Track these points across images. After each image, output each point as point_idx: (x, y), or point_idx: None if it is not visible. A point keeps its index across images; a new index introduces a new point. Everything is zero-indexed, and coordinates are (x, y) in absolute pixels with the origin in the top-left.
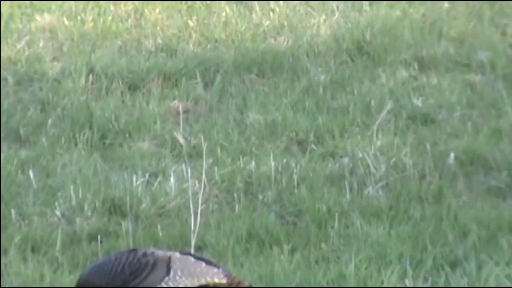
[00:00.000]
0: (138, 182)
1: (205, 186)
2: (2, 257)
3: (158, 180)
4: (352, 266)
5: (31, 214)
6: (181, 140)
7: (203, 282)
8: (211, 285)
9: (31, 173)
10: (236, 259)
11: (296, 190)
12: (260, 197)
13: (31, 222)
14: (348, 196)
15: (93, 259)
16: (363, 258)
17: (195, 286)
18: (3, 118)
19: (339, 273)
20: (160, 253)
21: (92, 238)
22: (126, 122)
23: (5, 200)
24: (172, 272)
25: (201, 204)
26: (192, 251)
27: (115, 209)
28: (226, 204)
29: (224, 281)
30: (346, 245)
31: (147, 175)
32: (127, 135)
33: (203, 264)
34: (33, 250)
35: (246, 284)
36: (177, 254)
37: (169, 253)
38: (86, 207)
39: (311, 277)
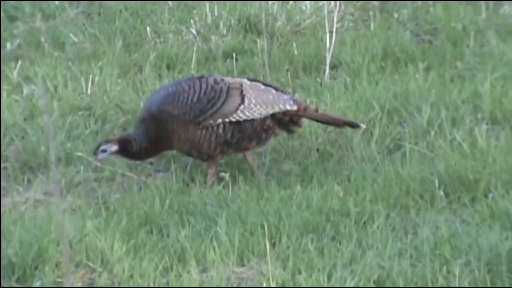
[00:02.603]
0: (273, 0)
1: (340, 4)
2: (138, 74)
3: None
4: (487, 84)
5: (167, 31)
6: None
7: (276, 109)
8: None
9: None
10: (371, 77)
11: (431, 8)
12: (396, 15)
13: (167, 39)
14: (484, 14)
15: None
16: (499, 76)
17: (269, 113)
18: None
19: (474, 91)
20: (229, 79)
21: (227, 55)
22: None
23: (140, 17)
24: (246, 100)
25: (336, 22)
26: (327, 69)
27: (250, 27)
28: (361, 22)
29: (294, 108)
30: (482, 63)
31: None
32: None
33: (273, 91)
34: (168, 67)
35: (312, 108)
36: (247, 81)
37: (238, 79)
38: (221, 25)
39: (446, 95)
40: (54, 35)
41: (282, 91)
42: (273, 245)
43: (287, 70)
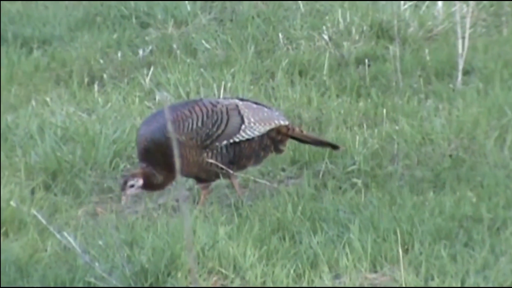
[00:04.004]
0: (406, 6)
1: (473, 10)
2: (270, 80)
3: (425, 3)
4: None
5: (299, 38)
6: None
7: (273, 125)
8: (277, 127)
9: None
10: (503, 83)
11: None
12: None
13: (299, 46)
14: None
15: (360, 83)
16: None
17: (267, 130)
18: None
19: None
20: (223, 101)
21: (359, 62)
22: None
23: (272, 24)
24: (246, 119)
25: (469, 28)
26: (460, 75)
27: (382, 33)
28: (494, 28)
29: (287, 122)
30: None
31: None
32: None
33: (265, 109)
34: (300, 73)
35: (298, 129)
36: (239, 101)
37: (231, 100)
38: (353, 31)
39: None
40: (186, 42)
41: (270, 108)
42: (405, 251)
43: (419, 76)
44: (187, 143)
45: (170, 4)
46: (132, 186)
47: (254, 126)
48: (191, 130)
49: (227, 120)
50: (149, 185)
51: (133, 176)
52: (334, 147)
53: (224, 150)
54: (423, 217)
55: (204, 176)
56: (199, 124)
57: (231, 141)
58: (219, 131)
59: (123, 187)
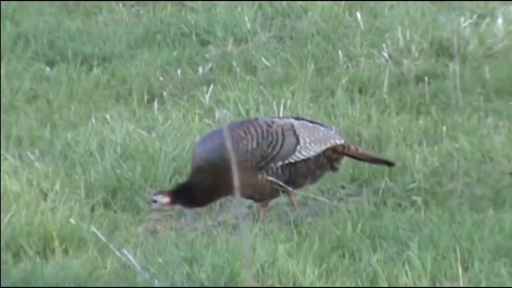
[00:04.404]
0: (465, 24)
1: None
2: (329, 98)
3: (485, 21)
4: None
5: (358, 55)
6: None
7: (328, 145)
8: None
9: (358, 15)
10: None
11: None
12: None
13: (358, 63)
14: None
15: (420, 101)
16: None
17: (322, 149)
18: None
19: None
20: (279, 121)
21: (419, 79)
22: None
23: (332, 41)
24: (301, 140)
25: None
26: None
27: (442, 50)
28: None
29: (342, 141)
30: None
31: (474, 16)
32: None
33: (321, 128)
34: (360, 91)
35: (354, 146)
36: (295, 121)
37: (286, 120)
38: (413, 49)
39: None
40: (246, 59)
41: (326, 126)
42: (465, 269)
43: (479, 93)
44: (242, 164)
45: (230, 21)
46: (155, 201)
47: (309, 146)
48: (245, 152)
49: (282, 141)
50: (183, 202)
51: (160, 192)
52: (390, 164)
53: (279, 171)
54: (482, 235)
55: (258, 197)
56: (254, 145)
57: (286, 162)
58: (274, 152)
59: (149, 201)
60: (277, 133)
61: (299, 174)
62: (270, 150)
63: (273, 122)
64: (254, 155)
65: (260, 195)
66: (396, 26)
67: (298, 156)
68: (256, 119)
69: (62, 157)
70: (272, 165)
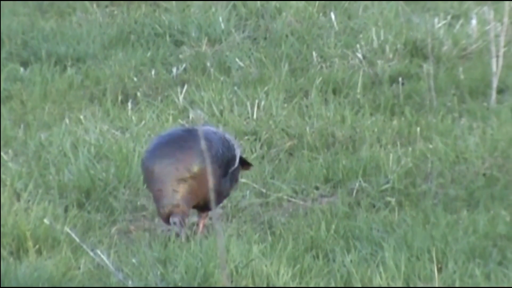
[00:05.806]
0: (440, 24)
1: (507, 28)
2: (304, 98)
3: (460, 22)
4: None
5: (332, 56)
6: None
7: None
8: None
9: (332, 15)
10: None
11: None
12: None
13: (332, 64)
14: None
15: (394, 101)
16: None
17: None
18: None
19: None
20: (212, 128)
21: (393, 80)
22: None
23: (306, 42)
24: (235, 145)
25: (503, 46)
26: (494, 94)
27: (416, 51)
28: None
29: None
30: None
31: (449, 17)
32: None
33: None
34: (334, 92)
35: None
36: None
37: (208, 126)
38: (387, 49)
39: None
40: (220, 60)
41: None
42: (439, 270)
43: (453, 94)
44: (216, 172)
45: (204, 22)
46: (174, 223)
47: (237, 150)
48: (217, 159)
49: (233, 145)
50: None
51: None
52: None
53: (232, 175)
54: (456, 235)
55: (208, 205)
56: (220, 151)
57: (235, 166)
58: (232, 156)
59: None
60: (225, 137)
61: (234, 180)
62: (230, 155)
63: (209, 129)
64: (224, 161)
65: (219, 200)
66: (370, 26)
67: (237, 160)
68: (196, 127)
69: (36, 157)
70: (231, 169)
